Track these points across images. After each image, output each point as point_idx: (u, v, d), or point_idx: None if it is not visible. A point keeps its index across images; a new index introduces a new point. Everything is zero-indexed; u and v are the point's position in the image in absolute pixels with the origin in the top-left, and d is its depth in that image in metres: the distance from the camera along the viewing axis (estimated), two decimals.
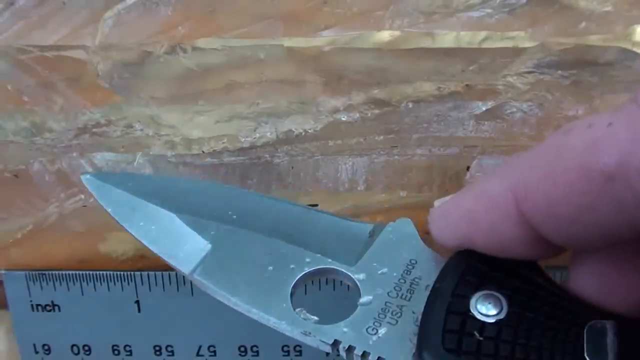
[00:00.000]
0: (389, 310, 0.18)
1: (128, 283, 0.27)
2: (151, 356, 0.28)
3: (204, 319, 0.27)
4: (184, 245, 0.20)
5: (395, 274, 0.19)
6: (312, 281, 0.22)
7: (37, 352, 0.28)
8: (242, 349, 0.28)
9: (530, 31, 0.25)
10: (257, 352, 0.28)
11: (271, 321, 0.18)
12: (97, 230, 0.27)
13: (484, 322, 0.16)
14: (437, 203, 0.19)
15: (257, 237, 0.20)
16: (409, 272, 0.19)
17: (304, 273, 0.19)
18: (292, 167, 0.26)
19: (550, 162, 0.15)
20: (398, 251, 0.19)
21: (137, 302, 0.27)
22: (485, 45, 0.26)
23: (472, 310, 0.16)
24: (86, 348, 0.28)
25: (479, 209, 0.16)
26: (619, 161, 0.13)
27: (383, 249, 0.19)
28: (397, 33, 0.26)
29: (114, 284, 0.27)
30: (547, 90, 0.26)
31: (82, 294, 0.27)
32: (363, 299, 0.18)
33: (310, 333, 0.18)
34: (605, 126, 0.14)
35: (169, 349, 0.28)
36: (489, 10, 0.25)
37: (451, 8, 0.25)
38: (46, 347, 0.28)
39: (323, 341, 0.18)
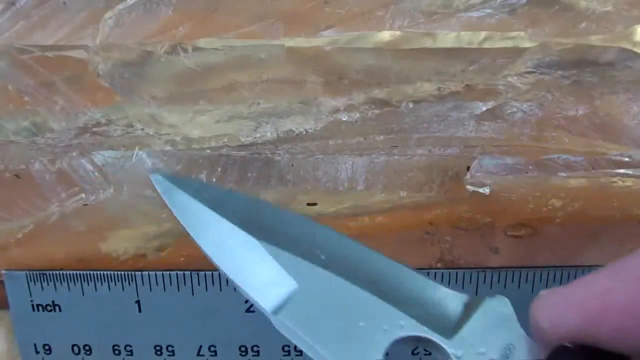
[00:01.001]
0: None
1: (129, 283, 0.27)
2: (152, 356, 0.28)
3: (204, 319, 0.27)
4: (266, 278, 0.18)
5: (493, 357, 0.17)
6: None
7: (37, 352, 0.28)
8: (243, 349, 0.28)
9: (530, 31, 0.25)
10: (258, 352, 0.28)
11: None
12: (98, 229, 0.27)
13: None
14: (544, 292, 0.17)
15: (348, 286, 0.18)
16: (506, 357, 0.17)
17: (398, 337, 0.18)
18: (292, 165, 0.26)
19: None
20: (496, 332, 0.18)
21: (138, 302, 0.27)
22: (486, 45, 0.26)
23: None
24: (87, 348, 0.28)
25: (617, 286, 0.15)
26: None
27: (481, 327, 0.18)
28: (397, 33, 0.26)
29: (115, 283, 0.27)
30: (547, 90, 0.26)
31: (83, 294, 0.27)
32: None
33: None
34: None
35: (170, 348, 0.28)
36: (490, 11, 0.25)
37: (451, 8, 0.25)
38: (47, 347, 0.28)
39: None
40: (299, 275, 0.18)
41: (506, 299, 0.18)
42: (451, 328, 0.18)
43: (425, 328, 0.18)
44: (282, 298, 0.18)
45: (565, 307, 0.16)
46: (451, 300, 0.19)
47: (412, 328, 0.18)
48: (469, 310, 0.18)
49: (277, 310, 0.18)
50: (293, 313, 0.18)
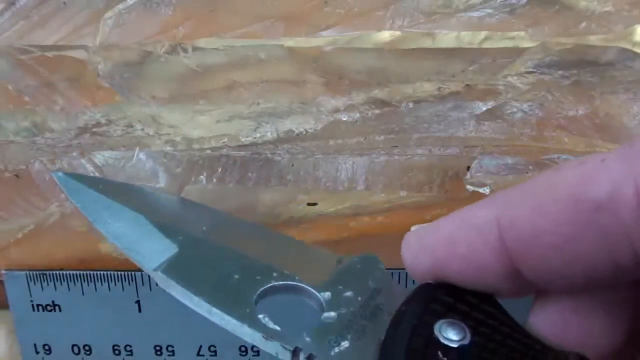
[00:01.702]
0: (352, 328, 0.18)
1: (129, 283, 0.27)
2: (152, 356, 0.28)
3: (204, 319, 0.27)
4: (150, 244, 0.21)
5: (360, 298, 0.19)
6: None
7: (37, 352, 0.28)
8: (243, 349, 0.28)
9: (530, 31, 0.25)
10: (258, 352, 0.28)
11: (232, 323, 0.18)
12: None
13: (447, 346, 0.16)
14: (414, 228, 0.18)
15: (225, 249, 0.21)
16: (373, 298, 0.19)
17: (270, 285, 0.19)
18: (293, 165, 0.26)
19: (539, 194, 0.15)
20: (364, 279, 0.19)
21: (138, 302, 0.27)
22: (486, 45, 0.26)
23: (435, 334, 0.16)
24: (87, 348, 0.28)
25: (459, 234, 0.16)
26: (609, 191, 0.14)
27: (349, 276, 0.19)
28: (397, 33, 0.26)
29: (115, 283, 0.27)
30: (547, 90, 0.26)
31: (83, 294, 0.27)
32: (326, 314, 0.18)
33: (271, 338, 0.18)
34: (598, 162, 0.14)
35: (170, 348, 0.28)
36: (490, 10, 0.25)
37: (452, 8, 0.25)
38: (47, 347, 0.28)
39: (284, 347, 0.18)
40: (179, 242, 0.21)
41: (375, 256, 0.20)
42: (322, 278, 0.19)
43: (297, 278, 0.19)
44: (163, 259, 0.20)
45: (420, 249, 0.17)
46: (325, 258, 0.21)
47: (284, 278, 0.19)
48: (339, 264, 0.20)
49: (157, 268, 0.20)
50: (172, 269, 0.20)
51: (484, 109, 0.26)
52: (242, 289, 0.19)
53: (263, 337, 0.18)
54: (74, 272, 0.27)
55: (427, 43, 0.26)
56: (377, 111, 0.26)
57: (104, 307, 0.27)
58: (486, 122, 0.26)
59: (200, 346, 0.28)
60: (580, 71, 0.26)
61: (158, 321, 0.28)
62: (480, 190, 0.26)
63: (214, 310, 0.19)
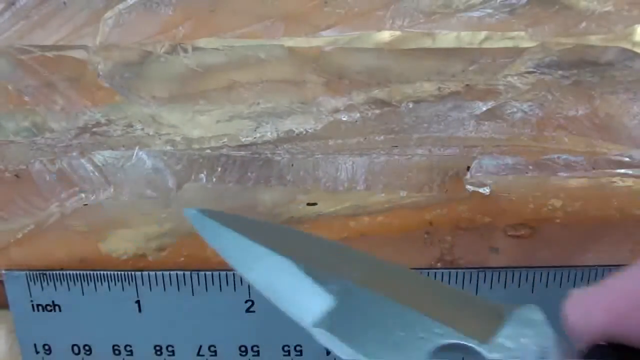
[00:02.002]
0: None
1: (129, 283, 0.27)
2: (152, 356, 0.28)
3: (204, 319, 0.27)
4: (305, 296, 0.19)
5: (530, 358, 0.18)
6: None
7: (37, 352, 0.28)
8: (243, 348, 0.28)
9: (530, 31, 0.25)
10: (258, 352, 0.28)
11: None
12: (98, 229, 0.27)
13: None
14: (575, 291, 0.17)
15: (384, 300, 0.19)
16: (543, 357, 0.18)
17: (437, 345, 0.18)
18: (292, 165, 0.26)
19: None
20: (530, 336, 0.18)
21: (138, 302, 0.27)
22: (486, 45, 0.26)
23: None
24: (87, 348, 0.28)
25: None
26: None
27: (515, 332, 0.18)
28: (397, 33, 0.26)
29: (115, 283, 0.27)
30: (547, 90, 0.26)
31: (83, 294, 0.27)
32: None
33: None
34: None
35: (170, 348, 0.28)
36: (490, 10, 0.25)
37: (451, 8, 0.25)
38: (47, 347, 0.28)
39: None
40: (335, 291, 0.19)
41: (536, 307, 0.19)
42: (486, 335, 0.18)
43: (462, 335, 0.18)
44: (322, 313, 0.18)
45: (594, 307, 0.16)
46: (484, 308, 0.19)
47: (449, 336, 0.18)
48: (501, 317, 0.19)
49: (318, 324, 0.18)
50: (333, 325, 0.18)
51: (484, 109, 0.26)
52: (409, 348, 0.18)
53: None
54: (74, 272, 0.27)
55: (427, 43, 0.26)
56: (377, 111, 0.26)
57: (104, 307, 0.27)
58: (486, 122, 0.26)
59: (200, 346, 0.28)
60: (580, 71, 0.26)
61: (158, 321, 0.28)
62: (480, 190, 0.26)
63: None
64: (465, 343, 0.18)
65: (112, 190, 0.27)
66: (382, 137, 0.26)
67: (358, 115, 0.26)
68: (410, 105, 0.26)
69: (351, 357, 0.18)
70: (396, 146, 0.26)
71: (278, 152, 0.27)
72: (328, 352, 0.28)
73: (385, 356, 0.18)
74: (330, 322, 0.18)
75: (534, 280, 0.26)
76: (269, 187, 0.27)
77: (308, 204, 0.27)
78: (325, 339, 0.18)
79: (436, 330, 0.18)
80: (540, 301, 0.26)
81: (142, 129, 0.26)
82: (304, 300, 0.19)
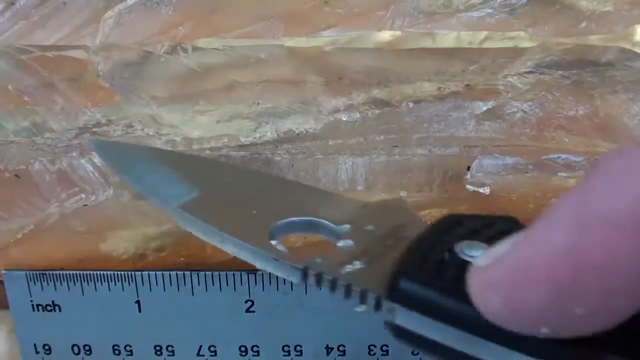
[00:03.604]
0: (368, 254, 0.17)
1: (129, 283, 0.27)
2: (152, 356, 0.28)
3: (204, 319, 0.27)
4: (172, 188, 0.21)
5: (381, 232, 0.18)
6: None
7: (37, 352, 0.28)
8: (243, 348, 0.28)
9: (530, 31, 0.25)
10: (258, 352, 0.28)
11: (245, 248, 0.18)
12: (98, 230, 0.27)
13: (465, 261, 0.15)
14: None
15: (245, 191, 0.21)
16: (396, 231, 0.18)
17: (288, 220, 0.19)
18: (292, 165, 0.26)
19: None
20: (388, 217, 0.19)
21: (138, 302, 0.27)
22: (486, 45, 0.26)
23: (455, 250, 0.15)
24: (87, 348, 0.28)
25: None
26: None
27: (372, 214, 0.19)
28: (397, 33, 0.26)
29: (115, 283, 0.27)
30: (547, 90, 0.26)
31: (83, 294, 0.27)
32: (342, 242, 0.18)
33: (282, 259, 0.17)
34: None
35: (170, 348, 0.28)
36: (490, 10, 0.25)
37: (452, 8, 0.25)
38: (47, 347, 0.28)
39: (294, 266, 0.17)
40: (201, 187, 0.21)
41: (401, 199, 0.20)
42: (341, 217, 0.19)
43: (315, 215, 0.19)
44: (185, 200, 0.20)
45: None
46: (347, 202, 0.21)
47: (302, 215, 0.19)
48: (363, 207, 0.20)
49: (179, 206, 0.20)
50: (192, 207, 0.20)
51: (484, 109, 0.26)
52: (258, 222, 0.19)
53: (274, 258, 0.18)
54: (74, 272, 0.27)
55: (427, 43, 0.26)
56: (377, 111, 0.26)
57: (104, 307, 0.27)
58: (486, 122, 0.26)
59: (200, 346, 0.28)
60: (580, 71, 0.26)
61: (158, 321, 0.27)
62: (481, 190, 0.26)
63: (228, 237, 0.19)
64: (317, 219, 0.19)
65: (112, 191, 0.27)
66: (382, 137, 0.26)
67: (358, 115, 0.26)
68: (410, 105, 0.26)
69: (207, 232, 0.19)
70: (396, 146, 0.26)
71: (278, 152, 0.27)
72: (328, 352, 0.28)
73: (235, 226, 0.19)
74: (189, 206, 0.20)
75: None
76: None
77: None
78: (183, 219, 0.20)
79: (293, 211, 0.19)
80: None
81: (142, 129, 0.26)
82: (172, 192, 0.21)
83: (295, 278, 0.17)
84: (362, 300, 0.16)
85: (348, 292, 0.16)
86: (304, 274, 0.17)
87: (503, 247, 0.14)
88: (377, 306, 0.16)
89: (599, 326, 0.13)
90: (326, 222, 0.19)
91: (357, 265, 0.17)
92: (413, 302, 0.15)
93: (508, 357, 0.14)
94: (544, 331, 0.13)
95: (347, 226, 0.18)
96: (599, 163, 0.13)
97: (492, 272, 0.14)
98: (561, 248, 0.12)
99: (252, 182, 0.23)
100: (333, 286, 0.17)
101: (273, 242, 0.18)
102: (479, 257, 0.15)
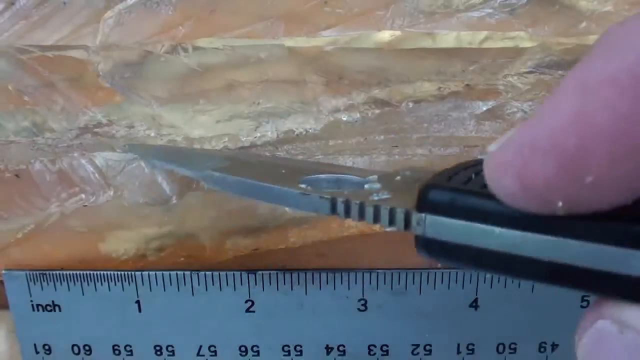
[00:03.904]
0: (394, 190, 0.18)
1: (129, 283, 0.27)
2: (152, 356, 0.28)
3: (204, 319, 0.27)
4: (202, 161, 0.23)
5: (408, 180, 0.18)
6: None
7: (37, 352, 0.28)
8: (243, 348, 0.28)
9: (530, 31, 0.25)
10: (258, 352, 0.28)
11: (274, 190, 0.19)
12: (98, 230, 0.27)
13: None
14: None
15: (271, 162, 0.23)
16: (421, 180, 0.18)
17: (315, 176, 0.20)
18: None
19: None
20: (413, 172, 0.19)
21: (138, 302, 0.27)
22: (486, 45, 0.26)
23: (482, 173, 0.15)
24: (87, 348, 0.28)
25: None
26: None
27: (398, 172, 0.19)
28: (397, 33, 0.26)
29: (115, 283, 0.27)
30: (547, 90, 0.26)
31: (83, 294, 0.27)
32: (369, 184, 0.18)
33: (310, 193, 0.18)
34: None
35: (170, 348, 0.28)
36: (490, 10, 0.25)
37: (452, 8, 0.25)
38: (47, 347, 0.28)
39: (323, 197, 0.18)
40: (229, 159, 0.23)
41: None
42: (366, 174, 0.20)
43: (341, 172, 0.20)
44: (216, 167, 0.22)
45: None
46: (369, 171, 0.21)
47: (328, 172, 0.20)
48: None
49: (210, 171, 0.21)
50: (224, 171, 0.21)
51: (484, 108, 0.26)
52: (287, 178, 0.20)
53: (302, 194, 0.18)
54: (74, 272, 0.27)
55: (427, 43, 0.26)
56: (377, 111, 0.26)
57: (104, 307, 0.27)
58: (486, 122, 0.26)
59: (200, 346, 0.28)
60: None
61: (158, 321, 0.27)
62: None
63: (260, 185, 0.20)
64: (343, 175, 0.20)
65: (112, 193, 0.27)
66: (382, 137, 0.26)
67: (358, 115, 0.26)
68: (410, 105, 0.26)
69: (236, 187, 0.21)
70: (396, 146, 0.26)
71: (278, 153, 0.27)
72: (328, 352, 0.28)
73: (265, 178, 0.20)
74: (221, 170, 0.21)
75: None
76: None
77: None
78: (216, 180, 0.21)
79: (319, 169, 0.21)
80: (541, 301, 0.26)
81: (143, 129, 0.26)
82: (201, 163, 0.22)
83: (325, 209, 0.18)
84: (392, 220, 0.17)
85: (377, 214, 0.17)
86: (333, 204, 0.18)
87: (512, 130, 0.14)
88: (407, 223, 0.16)
89: (613, 198, 0.13)
90: (352, 176, 0.20)
91: (384, 195, 0.17)
92: (443, 209, 0.15)
93: (536, 244, 0.14)
94: (560, 206, 0.13)
95: (374, 176, 0.19)
96: (600, 37, 0.13)
97: (502, 154, 0.14)
98: (565, 116, 0.12)
99: (276, 159, 0.24)
100: (361, 211, 0.17)
101: (302, 185, 0.19)
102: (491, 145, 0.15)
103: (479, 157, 0.17)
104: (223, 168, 0.22)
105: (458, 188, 0.15)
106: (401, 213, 0.16)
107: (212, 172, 0.21)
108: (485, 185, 0.14)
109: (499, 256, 0.15)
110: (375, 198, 0.17)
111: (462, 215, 0.15)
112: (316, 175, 0.20)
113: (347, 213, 0.17)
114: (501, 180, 0.14)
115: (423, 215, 0.16)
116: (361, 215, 0.17)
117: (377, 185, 0.18)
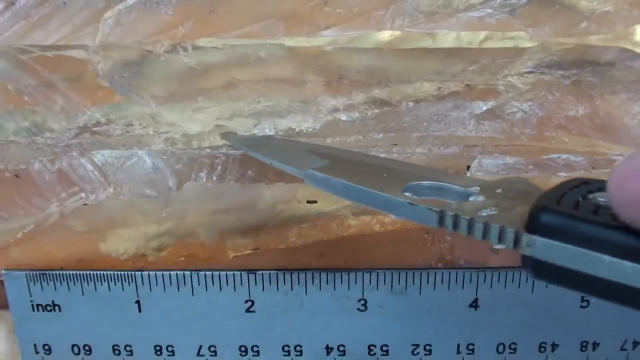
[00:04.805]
0: (500, 205, 0.18)
1: (129, 283, 0.27)
2: (152, 356, 0.28)
3: (204, 319, 0.27)
4: (301, 159, 0.23)
5: (510, 194, 0.18)
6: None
7: (37, 352, 0.28)
8: (243, 349, 0.28)
9: (530, 31, 0.25)
10: (258, 352, 0.28)
11: (380, 197, 0.19)
12: (98, 229, 0.27)
13: (599, 203, 0.16)
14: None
15: (368, 162, 0.23)
16: (524, 194, 0.18)
17: (417, 183, 0.20)
18: None
19: None
20: (513, 185, 0.19)
21: (138, 302, 0.27)
22: (486, 45, 0.26)
23: (589, 196, 0.16)
24: (87, 348, 0.28)
25: None
26: None
27: (498, 183, 0.19)
28: (397, 33, 0.26)
29: (115, 283, 0.27)
30: (547, 90, 0.26)
31: (83, 294, 0.27)
32: (474, 197, 0.18)
33: (417, 204, 0.18)
34: None
35: (170, 348, 0.28)
36: (490, 11, 0.25)
37: (452, 8, 0.25)
38: (47, 347, 0.28)
39: (432, 209, 0.18)
40: (328, 158, 0.23)
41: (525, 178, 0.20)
42: (467, 183, 0.20)
43: (443, 181, 0.20)
44: (316, 166, 0.22)
45: None
46: (463, 177, 0.21)
47: (430, 179, 0.20)
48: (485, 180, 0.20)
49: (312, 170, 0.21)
50: (326, 171, 0.21)
51: (484, 108, 0.26)
52: (389, 183, 0.20)
53: (409, 203, 0.18)
54: (74, 272, 0.27)
55: (427, 43, 0.26)
56: (376, 111, 0.26)
57: (104, 307, 0.27)
58: (486, 122, 0.26)
59: (200, 346, 0.28)
60: (580, 71, 0.26)
61: (158, 321, 0.27)
62: None
63: (365, 190, 0.19)
64: (445, 184, 0.20)
65: (112, 189, 0.27)
66: (381, 136, 0.26)
67: (357, 114, 0.26)
68: (410, 104, 0.26)
69: (339, 189, 0.21)
70: (395, 144, 0.26)
71: None
72: (328, 352, 0.28)
73: (369, 182, 0.20)
74: (323, 169, 0.21)
75: (534, 280, 0.26)
76: (269, 185, 0.27)
77: (308, 202, 0.27)
78: (318, 179, 0.21)
79: (421, 176, 0.21)
80: (541, 301, 0.26)
81: (142, 128, 0.26)
82: (303, 162, 0.22)
83: (432, 222, 0.18)
84: (501, 238, 0.17)
85: (486, 230, 0.17)
86: (441, 217, 0.18)
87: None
88: (516, 242, 0.16)
89: None
90: (455, 185, 0.20)
91: (492, 210, 0.17)
92: (554, 233, 0.15)
93: None
94: None
95: (476, 188, 0.19)
96: None
97: (628, 164, 0.14)
98: None
99: (375, 159, 0.24)
100: (470, 227, 0.17)
101: (407, 194, 0.19)
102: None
103: (584, 177, 0.17)
104: (325, 167, 0.22)
105: (570, 213, 0.15)
106: (511, 232, 0.16)
107: (314, 171, 0.21)
108: (596, 211, 0.15)
109: (609, 284, 0.15)
110: (484, 214, 0.17)
111: (573, 241, 0.15)
112: (419, 182, 0.20)
113: (455, 227, 0.18)
114: (627, 186, 0.14)
115: (534, 237, 0.16)
116: (469, 231, 0.17)
117: (481, 198, 0.18)
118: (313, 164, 0.22)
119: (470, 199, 0.19)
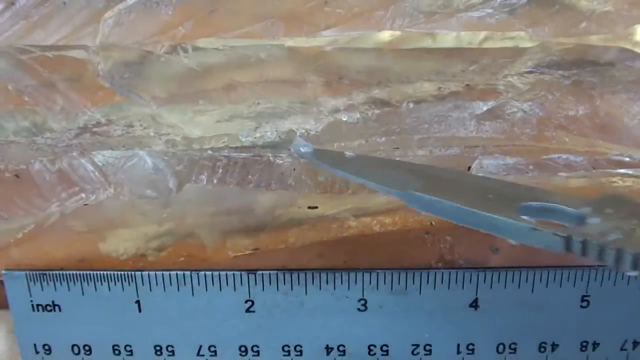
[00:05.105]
0: (620, 228, 0.17)
1: (129, 283, 0.27)
2: (152, 356, 0.28)
3: (204, 319, 0.27)
4: (392, 179, 0.22)
5: (622, 214, 0.18)
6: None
7: (37, 352, 0.28)
8: (243, 348, 0.28)
9: (530, 31, 0.25)
10: (258, 352, 0.28)
11: (500, 221, 0.18)
12: (98, 229, 0.27)
13: None
14: None
15: (470, 179, 0.22)
16: (636, 214, 0.18)
17: (527, 204, 0.19)
18: (294, 169, 0.26)
19: None
20: (619, 204, 0.19)
21: (138, 302, 0.27)
22: (486, 45, 0.26)
23: None
24: (87, 348, 0.28)
25: None
26: None
27: (602, 202, 0.19)
28: (397, 33, 0.26)
29: (115, 283, 0.27)
30: (547, 90, 0.26)
31: (83, 294, 0.27)
32: (591, 219, 0.18)
33: (541, 229, 0.18)
34: None
35: (170, 348, 0.28)
36: (490, 10, 0.25)
37: (452, 8, 0.25)
38: (47, 347, 0.28)
39: (557, 234, 0.17)
40: (423, 179, 0.22)
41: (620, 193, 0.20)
42: (576, 203, 0.19)
43: (550, 200, 0.19)
44: (415, 187, 0.21)
45: None
46: (559, 194, 0.20)
47: (537, 200, 0.20)
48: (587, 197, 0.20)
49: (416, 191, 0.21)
50: (424, 189, 0.21)
51: (484, 109, 0.26)
52: (500, 203, 0.19)
53: (532, 228, 0.18)
54: (74, 272, 0.27)
55: (427, 43, 0.26)
56: (377, 111, 0.26)
57: (104, 307, 0.27)
58: (486, 122, 0.26)
59: (200, 346, 0.28)
60: (580, 71, 0.26)
61: (158, 321, 0.27)
62: None
63: (480, 214, 0.19)
64: (555, 205, 0.19)
65: (112, 190, 0.27)
66: (383, 139, 0.26)
67: (358, 115, 0.26)
68: (411, 105, 0.26)
69: (447, 209, 0.20)
70: (397, 148, 0.26)
71: (280, 155, 0.27)
72: (328, 352, 0.28)
73: (481, 205, 0.19)
74: (422, 187, 0.21)
75: (534, 280, 0.26)
76: (270, 190, 0.27)
77: (309, 207, 0.27)
78: (417, 199, 0.20)
79: (529, 196, 0.20)
80: (541, 301, 0.26)
81: (143, 129, 0.26)
82: (394, 181, 0.22)
83: (557, 247, 0.17)
84: (635, 266, 0.16)
85: (619, 256, 0.17)
86: (568, 242, 0.17)
87: None
88: None
89: None
90: (564, 207, 0.19)
91: (617, 234, 0.17)
92: None
93: None
94: None
95: (588, 209, 0.19)
96: None
97: None
98: None
99: (468, 177, 0.24)
100: (601, 252, 0.17)
101: (524, 217, 0.18)
102: None
103: None
104: (424, 187, 0.21)
105: None
106: None
107: (417, 193, 0.21)
108: None
109: None
110: (612, 237, 0.17)
111: None
112: (529, 204, 0.20)
113: (584, 253, 0.17)
114: None
115: None
116: (600, 256, 0.17)
117: (597, 220, 0.18)
118: (411, 184, 0.21)
119: (588, 221, 0.18)
